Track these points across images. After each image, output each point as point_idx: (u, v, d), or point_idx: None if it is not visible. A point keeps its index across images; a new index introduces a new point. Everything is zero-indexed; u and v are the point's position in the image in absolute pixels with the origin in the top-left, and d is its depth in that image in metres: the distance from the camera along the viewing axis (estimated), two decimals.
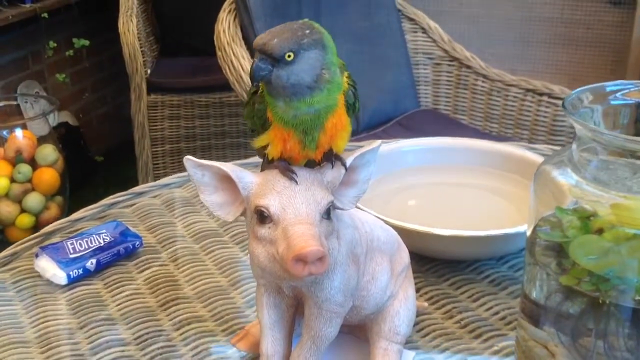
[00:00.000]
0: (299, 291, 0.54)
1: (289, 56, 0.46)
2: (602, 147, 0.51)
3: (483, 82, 1.55)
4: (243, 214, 0.52)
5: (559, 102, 1.45)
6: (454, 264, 0.76)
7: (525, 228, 0.72)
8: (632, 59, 2.21)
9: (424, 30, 1.60)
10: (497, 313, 0.68)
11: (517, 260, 0.76)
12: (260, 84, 0.49)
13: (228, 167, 0.51)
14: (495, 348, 0.64)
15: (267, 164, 0.52)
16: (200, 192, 0.52)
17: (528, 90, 1.49)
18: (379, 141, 0.53)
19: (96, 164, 2.54)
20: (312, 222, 0.48)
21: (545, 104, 1.47)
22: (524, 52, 2.51)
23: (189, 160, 0.51)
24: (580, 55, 2.46)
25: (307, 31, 0.47)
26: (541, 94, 1.48)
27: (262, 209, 0.49)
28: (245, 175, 0.51)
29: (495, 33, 2.52)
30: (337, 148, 0.51)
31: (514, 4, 2.49)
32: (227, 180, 0.51)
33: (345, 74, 0.50)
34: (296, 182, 0.49)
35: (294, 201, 0.49)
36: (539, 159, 0.84)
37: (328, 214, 0.50)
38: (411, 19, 1.60)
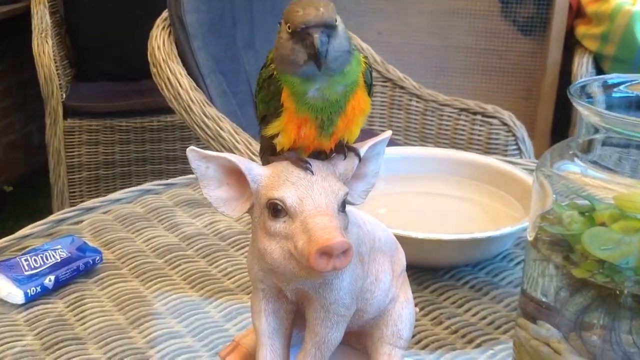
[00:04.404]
0: (303, 294, 0.50)
1: (336, 21, 0.43)
2: (608, 133, 0.51)
3: (417, 102, 1.56)
4: (249, 210, 0.48)
5: (493, 121, 1.48)
6: (432, 272, 0.74)
7: (508, 231, 0.72)
8: (546, 85, 2.30)
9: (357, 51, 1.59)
10: (484, 318, 0.67)
11: (493, 266, 0.75)
12: (272, 69, 0.46)
13: (236, 158, 0.47)
14: (492, 351, 0.62)
15: (271, 156, 0.49)
16: (203, 186, 0.48)
17: (462, 109, 1.52)
18: (389, 131, 0.51)
19: (4, 194, 2.40)
20: (333, 214, 0.45)
21: (479, 123, 1.49)
22: (441, 80, 2.58)
23: (193, 151, 0.46)
24: (495, 83, 2.54)
25: None
26: (475, 113, 1.50)
27: (277, 201, 0.45)
28: (254, 166, 0.47)
29: (413, 62, 2.58)
30: (350, 135, 0.48)
31: (431, 33, 2.56)
32: (233, 174, 0.48)
33: (361, 54, 0.48)
34: (312, 172, 0.46)
35: (311, 192, 0.45)
36: (508, 167, 0.84)
37: (344, 206, 0.47)
38: None
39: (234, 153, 1.21)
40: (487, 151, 1.47)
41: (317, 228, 0.44)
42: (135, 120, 2.08)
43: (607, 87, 0.55)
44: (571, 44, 2.15)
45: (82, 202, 2.06)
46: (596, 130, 0.52)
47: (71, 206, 2.07)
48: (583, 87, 0.55)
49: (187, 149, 0.47)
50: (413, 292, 0.70)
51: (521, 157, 1.44)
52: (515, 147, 1.45)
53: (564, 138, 1.74)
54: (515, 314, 0.66)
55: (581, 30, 2.05)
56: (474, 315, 0.67)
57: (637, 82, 0.55)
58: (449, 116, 1.52)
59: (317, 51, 0.42)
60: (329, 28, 0.43)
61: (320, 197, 0.45)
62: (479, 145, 1.49)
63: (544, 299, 0.56)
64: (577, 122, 0.54)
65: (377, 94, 1.60)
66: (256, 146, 1.19)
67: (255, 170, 0.47)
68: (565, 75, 2.15)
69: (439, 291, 0.71)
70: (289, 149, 0.47)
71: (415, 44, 2.58)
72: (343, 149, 0.48)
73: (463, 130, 1.51)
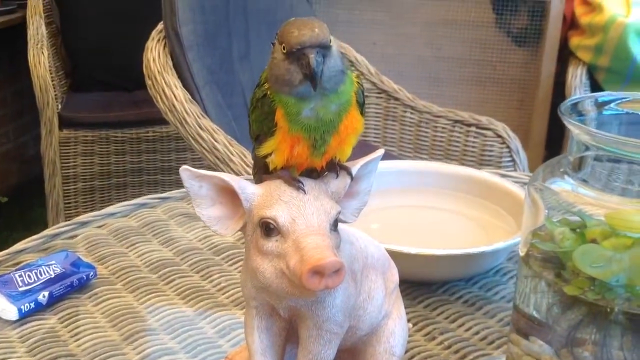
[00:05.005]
0: (296, 312, 0.51)
1: (330, 41, 0.44)
2: (599, 151, 0.51)
3: (411, 113, 1.57)
4: (242, 228, 0.49)
5: (487, 132, 1.48)
6: (425, 286, 0.74)
7: (501, 246, 0.72)
8: (540, 96, 2.31)
9: (352, 63, 1.61)
10: (477, 333, 0.67)
11: (486, 280, 0.76)
12: (266, 89, 0.46)
13: (229, 177, 0.47)
14: None
15: (264, 174, 0.49)
16: (196, 205, 0.48)
17: (456, 121, 1.52)
18: (381, 149, 0.51)
19: None
20: (325, 233, 0.45)
21: (473, 134, 1.50)
22: (435, 90, 2.58)
23: (186, 170, 0.47)
24: (488, 94, 2.55)
25: (313, 17, 0.45)
26: (469, 125, 1.51)
27: (269, 220, 0.45)
28: (247, 185, 0.47)
29: (407, 72, 2.58)
30: (342, 154, 0.48)
31: (425, 44, 2.57)
32: (226, 192, 0.48)
33: (354, 73, 0.48)
34: (304, 191, 0.46)
35: (304, 211, 0.46)
36: (501, 181, 0.84)
37: (336, 225, 0.47)
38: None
39: (229, 165, 1.22)
40: (481, 162, 1.48)
41: (309, 247, 0.44)
42: (131, 131, 2.08)
43: (599, 105, 0.56)
44: (565, 55, 2.16)
45: (77, 213, 2.07)
46: (587, 148, 0.53)
47: (66, 217, 2.08)
48: (574, 105, 0.55)
49: (180, 169, 0.47)
50: (406, 307, 0.70)
51: (515, 169, 1.44)
52: (509, 158, 1.45)
53: (558, 148, 1.74)
54: (507, 329, 0.66)
55: (575, 41, 2.06)
56: (467, 330, 0.67)
57: (627, 99, 0.56)
58: (443, 128, 1.53)
59: (313, 71, 0.43)
60: (324, 48, 0.43)
61: (312, 216, 0.46)
62: (473, 156, 1.49)
63: (536, 315, 0.56)
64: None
65: (372, 105, 1.60)
66: (251, 158, 1.19)
67: (248, 189, 0.47)
68: (560, 86, 2.16)
69: (432, 306, 0.71)
70: (282, 167, 0.48)
71: (410, 55, 2.59)
72: (335, 167, 0.49)
73: (457, 141, 1.52)
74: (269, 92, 0.46)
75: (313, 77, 0.43)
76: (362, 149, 0.53)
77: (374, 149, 0.52)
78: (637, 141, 0.49)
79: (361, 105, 0.48)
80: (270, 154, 0.47)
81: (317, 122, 0.45)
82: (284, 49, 0.44)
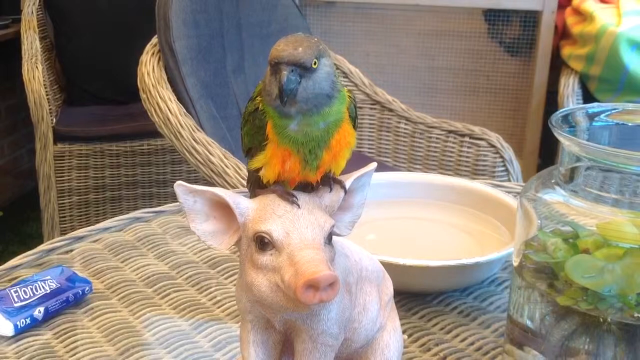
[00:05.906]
0: (291, 325, 0.51)
1: (315, 63, 0.44)
2: (590, 162, 0.52)
3: (405, 124, 1.57)
4: (237, 243, 0.49)
5: (480, 143, 1.49)
6: (420, 297, 0.74)
7: (495, 257, 0.72)
8: (532, 105, 2.32)
9: (345, 75, 1.61)
10: (472, 344, 0.67)
11: (481, 290, 0.76)
12: (258, 103, 0.47)
13: (223, 192, 0.48)
14: None
15: (258, 188, 0.50)
16: (191, 220, 0.48)
17: (450, 131, 1.53)
18: (374, 163, 0.52)
19: None
20: (319, 247, 0.46)
21: (467, 145, 1.51)
22: (429, 100, 2.59)
23: (180, 185, 0.47)
24: (482, 103, 2.56)
25: (315, 39, 0.45)
26: (463, 135, 1.51)
27: (264, 234, 0.46)
28: (241, 200, 0.48)
29: (401, 82, 2.60)
30: (337, 167, 0.49)
31: (419, 54, 2.58)
32: (220, 207, 0.48)
33: (345, 88, 0.49)
34: (298, 205, 0.47)
35: (298, 225, 0.46)
36: (494, 192, 0.85)
37: (330, 239, 0.48)
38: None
39: (224, 178, 1.22)
40: (475, 172, 1.48)
41: (303, 261, 0.44)
42: (125, 144, 2.08)
43: (589, 116, 0.57)
44: (557, 65, 2.17)
45: (72, 226, 2.07)
46: (578, 159, 0.53)
47: (62, 230, 2.07)
48: (565, 117, 0.56)
49: (175, 184, 0.47)
50: (401, 318, 0.70)
51: (509, 179, 1.45)
52: (503, 168, 1.46)
53: (552, 157, 1.75)
54: (502, 340, 0.66)
55: (567, 51, 2.07)
56: (462, 341, 0.68)
57: (617, 110, 0.57)
58: (437, 138, 1.54)
59: (282, 87, 0.43)
60: (301, 68, 0.44)
61: (306, 230, 0.46)
62: (467, 166, 1.50)
63: (529, 325, 0.56)
64: None
65: (366, 117, 1.61)
66: (245, 171, 1.20)
67: (243, 204, 0.48)
68: (552, 95, 2.17)
69: (427, 317, 0.71)
70: (275, 181, 0.48)
71: (403, 65, 2.60)
72: (329, 181, 0.49)
73: (451, 152, 1.52)
74: (260, 106, 0.47)
75: (281, 94, 0.44)
76: (357, 159, 0.53)
77: (368, 159, 0.53)
78: (628, 152, 0.50)
79: (354, 120, 0.49)
80: (261, 168, 0.48)
81: (305, 137, 0.45)
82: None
